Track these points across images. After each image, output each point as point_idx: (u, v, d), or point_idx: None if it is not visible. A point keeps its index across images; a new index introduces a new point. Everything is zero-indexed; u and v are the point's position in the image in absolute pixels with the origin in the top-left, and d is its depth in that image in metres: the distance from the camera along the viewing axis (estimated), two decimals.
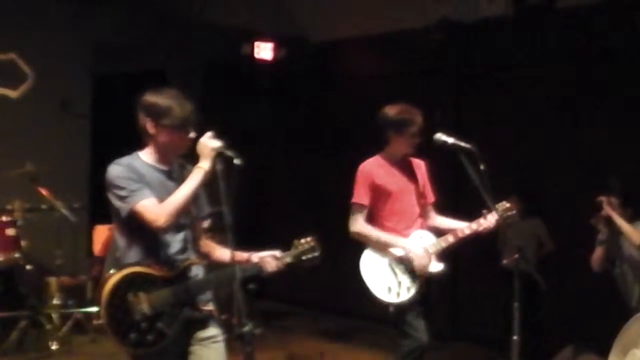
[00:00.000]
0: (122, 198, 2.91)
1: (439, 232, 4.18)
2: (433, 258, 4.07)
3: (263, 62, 7.80)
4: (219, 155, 2.94)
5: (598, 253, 4.88)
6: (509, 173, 6.00)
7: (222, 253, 3.20)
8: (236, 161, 2.88)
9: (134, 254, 2.99)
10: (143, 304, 2.91)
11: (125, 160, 3.00)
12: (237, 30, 7.79)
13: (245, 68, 8.12)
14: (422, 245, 4.08)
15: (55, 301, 6.19)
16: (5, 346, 5.68)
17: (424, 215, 4.22)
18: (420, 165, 4.27)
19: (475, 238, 4.14)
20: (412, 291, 4.00)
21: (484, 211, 4.04)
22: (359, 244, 4.13)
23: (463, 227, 4.10)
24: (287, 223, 8.30)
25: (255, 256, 3.20)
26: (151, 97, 2.99)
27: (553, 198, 6.15)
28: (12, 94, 6.94)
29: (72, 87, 7.36)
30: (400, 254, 4.03)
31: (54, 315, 6.10)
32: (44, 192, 6.06)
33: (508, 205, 4.13)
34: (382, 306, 4.00)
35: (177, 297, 2.97)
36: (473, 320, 6.70)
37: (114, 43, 7.50)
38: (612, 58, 5.87)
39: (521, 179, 6.27)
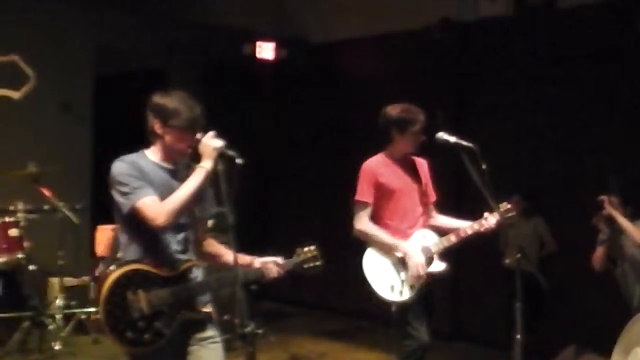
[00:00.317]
0: (124, 194, 2.92)
1: (441, 231, 4.18)
2: (435, 257, 4.07)
3: (264, 62, 7.81)
4: (220, 155, 2.94)
5: (599, 252, 4.88)
6: (511, 173, 6.01)
7: (227, 255, 3.20)
8: (238, 161, 2.89)
9: (133, 251, 3.00)
10: (142, 302, 2.91)
11: (130, 157, 3.01)
12: (239, 31, 7.80)
13: (246, 68, 8.14)
14: (424, 244, 4.08)
15: (58, 302, 6.20)
16: (8, 347, 5.68)
17: (426, 214, 4.22)
18: (423, 164, 4.27)
19: (477, 238, 4.14)
20: (414, 291, 4.00)
21: (486, 212, 4.04)
22: (361, 245, 4.12)
23: (465, 227, 4.10)
24: (288, 223, 8.32)
25: (258, 261, 3.20)
26: (160, 99, 3.02)
27: (555, 198, 6.15)
28: (15, 95, 6.95)
29: (74, 88, 7.37)
30: (399, 256, 4.03)
31: (57, 316, 6.10)
32: (46, 193, 6.07)
33: (509, 206, 4.13)
34: (385, 305, 3.99)
35: (176, 297, 2.97)
36: (475, 320, 6.70)
37: (115, 44, 7.52)
38: (614, 58, 5.87)
39: (523, 178, 6.27)
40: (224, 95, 8.32)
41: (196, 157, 3.01)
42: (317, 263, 3.28)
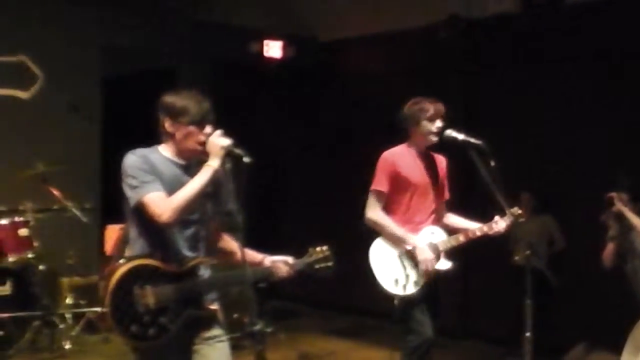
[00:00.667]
0: (133, 188, 2.93)
1: (450, 230, 4.17)
2: (442, 255, 4.07)
3: (272, 61, 7.81)
4: (228, 154, 2.94)
5: (609, 249, 4.86)
6: (520, 170, 5.99)
7: (240, 253, 3.18)
8: (245, 159, 2.89)
9: (142, 246, 3.01)
10: (148, 297, 2.91)
11: (142, 151, 3.02)
12: (246, 29, 7.80)
13: (254, 66, 8.14)
14: (432, 241, 4.07)
15: (68, 301, 6.24)
16: (19, 346, 5.71)
17: (438, 211, 4.21)
18: (442, 161, 4.26)
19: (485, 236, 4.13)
20: (419, 286, 3.99)
21: (497, 216, 4.03)
22: (370, 242, 4.11)
23: (475, 229, 4.09)
24: (297, 222, 8.32)
25: (268, 260, 3.19)
26: (169, 97, 3.04)
27: (564, 195, 6.13)
28: (23, 95, 6.98)
29: (83, 88, 7.39)
30: (409, 248, 4.02)
31: (67, 315, 6.14)
32: (55, 192, 6.10)
33: (520, 211, 4.11)
34: (387, 298, 3.98)
35: (182, 293, 2.97)
36: (484, 317, 6.68)
37: (122, 44, 7.53)
38: (623, 55, 5.84)
39: (532, 176, 6.25)
40: (232, 94, 8.33)
41: (206, 154, 3.02)
42: (329, 264, 3.26)
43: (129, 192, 2.95)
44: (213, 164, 2.96)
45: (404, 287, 3.97)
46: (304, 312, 7.91)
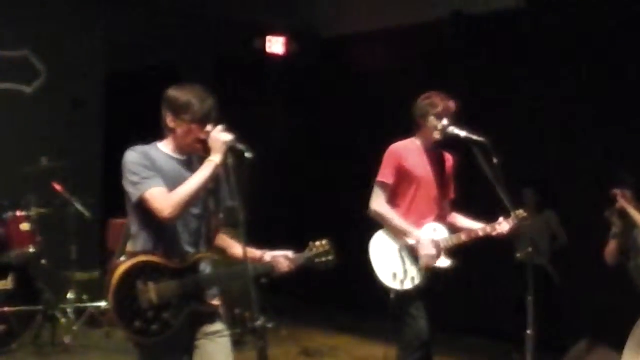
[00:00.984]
0: (134, 184, 2.94)
1: (453, 229, 4.16)
2: (442, 253, 4.06)
3: (275, 57, 7.80)
4: (230, 149, 2.94)
5: (612, 246, 4.85)
6: (523, 167, 5.97)
7: (238, 249, 3.19)
8: (247, 155, 2.89)
9: (144, 242, 3.01)
10: (151, 293, 2.92)
11: (142, 147, 3.03)
12: (249, 25, 7.80)
13: (257, 63, 8.13)
14: (434, 238, 4.07)
15: (70, 296, 6.25)
16: (21, 340, 5.73)
17: (442, 209, 4.20)
18: (449, 159, 4.25)
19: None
20: (416, 282, 3.98)
21: (501, 217, 4.02)
22: (372, 236, 4.11)
23: (477, 229, 4.09)
24: (301, 218, 8.32)
25: (268, 255, 3.19)
26: (173, 92, 3.04)
27: (567, 191, 6.11)
28: (26, 90, 6.99)
29: (85, 83, 7.40)
30: (411, 243, 4.02)
31: (69, 310, 6.15)
32: (58, 187, 6.10)
33: (525, 214, 4.10)
34: (384, 291, 3.97)
35: (185, 289, 2.98)
36: (487, 314, 6.68)
37: (125, 40, 7.54)
38: (629, 52, 5.82)
39: (535, 172, 6.24)
40: (234, 90, 8.32)
41: (208, 150, 3.02)
42: (330, 258, 3.26)
43: (130, 189, 2.96)
44: (215, 159, 2.96)
45: (402, 282, 3.96)
46: (307, 308, 7.91)
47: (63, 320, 6.01)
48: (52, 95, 7.06)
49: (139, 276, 2.93)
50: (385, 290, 3.98)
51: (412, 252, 4.02)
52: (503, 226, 4.03)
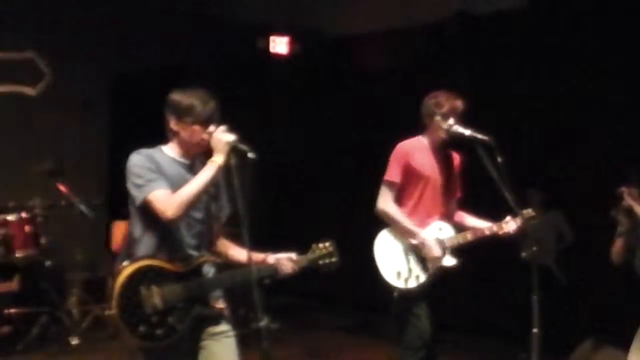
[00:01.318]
0: (137, 187, 2.95)
1: (460, 228, 4.15)
2: (447, 252, 4.04)
3: (278, 57, 7.80)
4: (232, 149, 2.94)
5: (618, 245, 4.82)
6: (528, 165, 5.96)
7: (238, 252, 3.19)
8: (250, 155, 2.89)
9: (147, 245, 3.01)
10: (155, 297, 2.92)
11: (146, 150, 3.04)
12: (253, 25, 7.80)
13: (260, 63, 8.13)
14: (439, 237, 4.06)
15: (75, 297, 6.25)
16: (27, 341, 5.74)
17: (448, 208, 4.19)
18: (456, 158, 4.24)
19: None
20: (421, 281, 3.97)
21: (509, 216, 4.00)
22: (379, 230, 4.10)
23: (483, 228, 4.08)
24: (304, 218, 8.31)
25: (272, 257, 3.19)
26: (176, 96, 3.06)
27: (572, 190, 6.09)
28: (31, 91, 7.01)
29: (92, 84, 7.43)
30: (416, 243, 4.01)
31: (74, 311, 6.16)
32: (63, 189, 6.11)
33: (533, 214, 4.08)
34: (387, 289, 3.96)
35: (189, 293, 2.98)
36: (492, 313, 6.66)
37: (130, 40, 7.55)
38: (633, 51, 5.80)
39: (540, 171, 6.22)
40: (238, 90, 8.32)
41: (210, 151, 3.02)
42: (333, 259, 3.26)
43: (134, 192, 2.96)
44: (217, 160, 2.96)
45: (406, 280, 3.95)
46: (312, 308, 7.90)
47: (68, 321, 6.02)
48: (58, 96, 7.08)
49: (143, 280, 2.93)
50: (389, 289, 3.97)
51: (417, 251, 4.02)
52: (510, 225, 4.02)
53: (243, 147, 2.93)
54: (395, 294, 3.97)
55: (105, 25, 7.31)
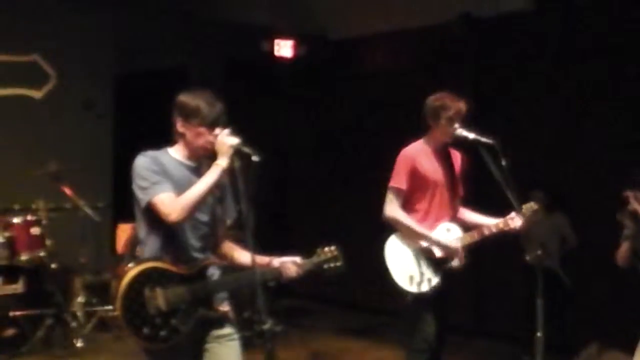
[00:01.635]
0: (143, 189, 2.95)
1: (465, 226, 4.15)
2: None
3: (283, 60, 7.80)
4: (237, 153, 2.94)
5: (623, 248, 4.80)
6: (532, 168, 5.95)
7: (244, 255, 3.18)
8: (254, 158, 2.89)
9: (152, 247, 3.02)
10: (159, 299, 2.92)
11: (153, 152, 3.04)
12: (257, 28, 7.81)
13: (265, 66, 8.14)
14: (448, 238, 4.06)
15: (80, 299, 6.26)
16: (32, 343, 5.74)
17: (454, 208, 4.19)
18: (457, 156, 4.24)
19: (499, 234, 4.11)
20: (433, 284, 3.98)
21: (513, 212, 4.00)
22: (383, 241, 4.09)
23: (490, 225, 4.07)
24: (309, 221, 8.31)
25: (276, 261, 3.19)
26: (183, 98, 3.06)
27: (577, 193, 6.08)
28: (36, 94, 7.02)
29: (94, 86, 7.43)
30: (425, 245, 4.01)
31: (79, 313, 6.16)
32: (67, 191, 6.12)
33: (536, 207, 4.08)
34: (401, 294, 3.96)
35: (193, 295, 2.98)
36: (496, 316, 6.65)
37: (134, 42, 7.56)
38: (635, 53, 5.78)
39: (544, 173, 6.21)
40: (243, 93, 8.33)
41: (214, 154, 3.02)
42: (338, 263, 3.25)
43: (139, 194, 2.97)
44: (222, 163, 2.96)
45: (419, 284, 3.96)
46: (316, 311, 7.90)
47: (73, 323, 6.02)
48: (62, 98, 7.09)
49: (147, 282, 2.93)
50: (403, 293, 3.96)
51: (428, 254, 4.02)
52: (516, 221, 4.01)
53: (247, 150, 2.93)
54: (409, 298, 3.96)
55: (109, 25, 7.32)
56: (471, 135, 3.92)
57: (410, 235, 4.03)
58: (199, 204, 2.96)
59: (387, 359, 6.14)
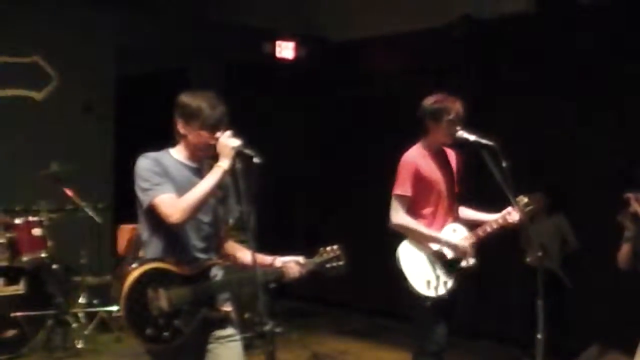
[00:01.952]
0: (144, 190, 2.96)
1: (466, 224, 4.15)
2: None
3: (284, 61, 7.81)
4: (238, 154, 2.94)
5: (625, 250, 4.81)
6: (533, 170, 5.95)
7: (247, 255, 3.18)
8: (255, 159, 2.89)
9: (155, 249, 3.03)
10: (162, 300, 2.93)
11: (154, 154, 3.05)
12: (259, 30, 7.81)
13: (266, 67, 8.14)
14: (454, 238, 4.07)
15: (81, 300, 6.28)
16: (33, 344, 5.75)
17: (455, 207, 4.20)
18: (452, 156, 4.25)
19: (500, 234, 4.11)
20: (448, 287, 3.98)
21: (510, 207, 4.00)
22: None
23: (490, 221, 4.08)
24: (309, 223, 8.32)
25: (279, 261, 3.19)
26: (184, 98, 3.05)
27: (578, 194, 6.08)
28: (37, 95, 7.03)
29: (95, 88, 7.43)
30: (436, 248, 4.02)
31: (80, 314, 6.17)
32: (69, 192, 6.14)
33: (526, 200, 4.09)
34: (420, 300, 3.94)
35: (196, 295, 2.99)
36: (497, 318, 6.65)
37: (135, 44, 7.56)
38: (637, 52, 5.79)
39: (545, 175, 6.21)
40: (244, 95, 8.34)
41: (216, 156, 3.02)
42: (340, 263, 3.26)
43: (141, 196, 2.98)
44: (223, 164, 2.97)
45: (436, 288, 3.95)
46: (316, 312, 7.90)
47: (74, 324, 6.03)
48: (63, 100, 7.10)
49: (150, 283, 2.94)
50: (421, 299, 3.94)
51: (440, 257, 4.02)
52: (513, 215, 4.01)
53: (249, 151, 2.93)
54: (429, 303, 3.94)
55: (110, 27, 7.32)
56: (472, 137, 3.92)
57: (420, 240, 4.03)
58: (200, 206, 2.97)
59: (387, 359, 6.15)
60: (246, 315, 5.87)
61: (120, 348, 6.04)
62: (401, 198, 4.05)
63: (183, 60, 8.41)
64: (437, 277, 3.97)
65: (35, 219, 5.99)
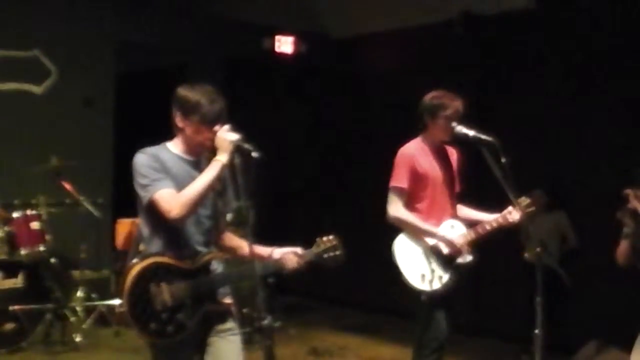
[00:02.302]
0: (143, 187, 2.95)
1: (465, 222, 4.16)
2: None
3: (284, 57, 7.80)
4: (237, 149, 2.94)
5: (623, 247, 4.80)
6: (533, 166, 5.95)
7: (245, 248, 3.19)
8: (254, 154, 2.88)
9: (156, 244, 3.03)
10: (165, 294, 2.93)
11: (152, 149, 3.04)
12: (258, 25, 7.80)
13: (266, 62, 8.14)
14: (452, 235, 4.07)
15: (80, 294, 6.28)
16: (32, 338, 5.76)
17: (454, 204, 4.20)
18: (453, 153, 4.25)
19: (499, 231, 4.11)
20: (444, 281, 3.99)
21: (510, 206, 4.00)
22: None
23: (490, 220, 4.08)
24: (308, 218, 8.32)
25: (277, 252, 3.20)
26: (183, 91, 3.04)
27: (577, 191, 6.08)
28: (36, 89, 7.02)
29: (95, 83, 7.42)
30: (433, 242, 4.02)
31: (78, 309, 6.17)
32: (68, 187, 6.13)
33: (528, 201, 4.09)
34: (415, 293, 3.95)
35: (198, 289, 2.99)
36: (495, 314, 6.66)
37: (135, 39, 7.55)
38: (636, 52, 5.78)
39: (545, 172, 6.21)
40: (243, 90, 8.33)
41: (214, 150, 3.02)
42: (337, 252, 3.26)
43: (140, 192, 2.97)
44: (222, 158, 2.96)
45: (431, 282, 3.95)
46: (315, 307, 7.91)
47: (73, 318, 6.03)
48: (62, 94, 7.09)
49: (152, 278, 2.94)
50: (416, 293, 3.96)
51: (437, 252, 4.03)
52: (514, 214, 4.01)
53: (247, 146, 2.92)
54: (423, 297, 3.95)
55: (110, 23, 7.31)
56: (471, 133, 3.92)
57: (416, 234, 4.04)
58: (200, 200, 2.97)
59: (385, 355, 6.15)
60: (245, 310, 5.88)
61: (118, 342, 6.05)
62: (398, 190, 4.05)
63: (183, 55, 8.40)
64: (432, 271, 3.98)
65: (34, 212, 6.00)
